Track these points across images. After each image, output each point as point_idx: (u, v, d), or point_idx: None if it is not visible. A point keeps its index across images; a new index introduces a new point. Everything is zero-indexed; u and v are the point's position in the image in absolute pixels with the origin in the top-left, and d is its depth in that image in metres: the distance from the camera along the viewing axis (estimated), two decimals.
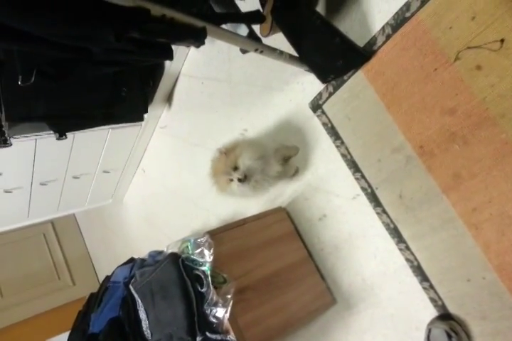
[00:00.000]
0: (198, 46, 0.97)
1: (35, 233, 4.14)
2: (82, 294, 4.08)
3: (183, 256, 1.42)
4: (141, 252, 1.78)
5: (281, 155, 1.64)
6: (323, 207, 1.63)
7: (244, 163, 1.49)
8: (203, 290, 1.35)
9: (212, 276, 1.35)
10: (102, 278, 3.99)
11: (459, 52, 1.12)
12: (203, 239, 1.40)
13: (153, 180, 2.92)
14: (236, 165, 1.49)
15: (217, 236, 1.47)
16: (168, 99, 2.39)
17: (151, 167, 2.90)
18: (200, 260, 1.38)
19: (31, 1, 0.69)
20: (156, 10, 0.87)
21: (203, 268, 1.37)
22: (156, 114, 2.46)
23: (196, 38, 0.94)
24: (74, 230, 4.38)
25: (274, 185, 1.67)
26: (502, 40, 1.04)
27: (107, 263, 4.01)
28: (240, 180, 1.48)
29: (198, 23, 0.96)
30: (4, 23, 0.72)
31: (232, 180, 1.50)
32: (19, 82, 1.18)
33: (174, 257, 1.42)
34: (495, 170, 1.12)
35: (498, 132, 1.10)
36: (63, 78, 1.20)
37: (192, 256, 1.40)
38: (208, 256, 1.37)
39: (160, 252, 1.65)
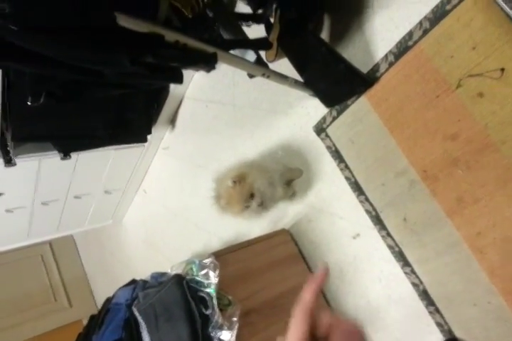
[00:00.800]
0: (208, 71, 1.00)
1: (33, 254, 4.09)
2: (79, 316, 4.03)
3: (187, 277, 1.41)
4: (140, 274, 1.77)
5: (285, 178, 1.65)
6: (327, 230, 1.63)
7: (260, 191, 1.50)
8: (208, 312, 1.33)
9: (217, 298, 1.34)
10: (99, 300, 3.96)
11: (460, 80, 1.15)
12: (208, 261, 1.39)
13: (154, 201, 2.92)
14: (252, 193, 1.50)
15: (221, 257, 1.46)
16: (172, 120, 2.42)
17: (152, 188, 2.91)
18: (205, 282, 1.37)
19: (54, 27, 0.72)
20: (170, 36, 0.91)
21: (208, 289, 1.36)
22: (159, 135, 2.48)
23: (207, 62, 0.97)
24: (72, 251, 4.33)
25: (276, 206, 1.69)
26: (502, 69, 1.07)
27: (104, 285, 3.95)
28: (259, 205, 1.50)
29: (209, 49, 0.99)
30: (25, 46, 0.74)
31: (248, 206, 1.51)
32: (28, 102, 1.20)
33: (178, 278, 1.41)
34: (498, 195, 1.14)
35: (500, 158, 1.12)
36: (72, 99, 1.23)
37: (197, 278, 1.39)
38: (214, 277, 1.36)
39: (163, 274, 1.64)
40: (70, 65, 0.84)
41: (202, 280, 1.36)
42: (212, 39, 1.09)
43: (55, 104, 1.14)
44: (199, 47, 0.96)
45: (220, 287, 1.35)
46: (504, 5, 1.01)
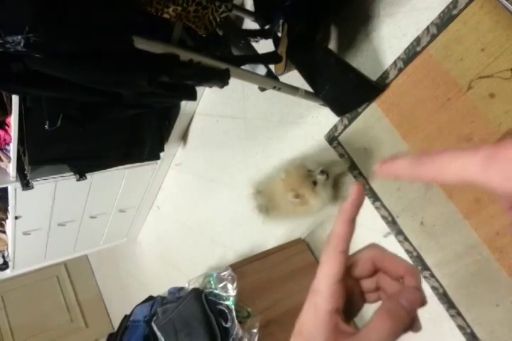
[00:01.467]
0: (222, 86, 1.02)
1: (49, 275, 4.10)
2: (95, 336, 4.02)
3: (205, 291, 1.42)
4: (157, 291, 1.77)
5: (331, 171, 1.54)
6: None
7: (311, 164, 1.44)
8: (228, 325, 1.33)
9: (236, 310, 1.35)
10: (114, 320, 3.94)
11: (471, 82, 1.17)
12: (225, 273, 1.40)
13: (168, 216, 2.93)
14: (308, 169, 1.42)
15: (239, 269, 1.47)
16: (184, 137, 2.46)
17: (165, 204, 2.93)
18: (224, 294, 1.38)
19: (75, 52, 0.75)
20: (185, 55, 0.94)
21: (226, 302, 1.37)
22: (172, 152, 2.51)
23: (221, 78, 1.00)
24: (87, 271, 4.34)
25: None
26: None
27: (119, 304, 3.94)
28: (322, 172, 1.39)
29: (222, 66, 1.02)
30: (49, 73, 0.77)
31: (315, 183, 1.40)
32: (46, 127, 1.24)
33: (197, 292, 1.42)
34: None
35: None
36: (89, 121, 1.26)
37: (215, 291, 1.40)
38: (232, 290, 1.37)
39: (180, 289, 1.65)
40: (90, 87, 0.87)
41: (220, 293, 1.37)
42: (223, 56, 1.11)
43: (73, 127, 1.16)
44: (212, 64, 0.99)
45: (239, 299, 1.36)
46: (509, 5, 1.03)
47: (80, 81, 0.85)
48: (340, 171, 1.59)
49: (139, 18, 0.79)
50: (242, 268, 1.49)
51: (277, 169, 1.47)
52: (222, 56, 1.10)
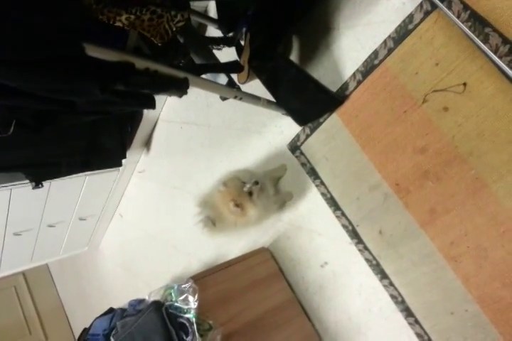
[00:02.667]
0: (180, 96, 1.01)
1: (6, 286, 3.92)
2: None
3: (166, 303, 1.39)
4: (120, 302, 1.72)
5: (271, 177, 1.64)
6: (306, 247, 1.64)
7: (245, 177, 1.48)
8: (188, 338, 1.31)
9: (197, 323, 1.32)
10: (76, 331, 3.81)
11: (426, 95, 1.20)
12: (186, 285, 1.37)
13: (131, 225, 2.87)
14: (243, 181, 1.46)
15: (201, 280, 1.45)
16: (147, 143, 2.42)
17: (128, 212, 2.87)
18: (185, 307, 1.35)
19: (22, 60, 0.72)
20: (140, 63, 0.91)
21: (187, 315, 1.34)
22: (134, 159, 2.47)
23: (179, 88, 0.99)
24: (47, 281, 4.18)
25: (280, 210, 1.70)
26: (465, 84, 1.12)
27: (82, 315, 3.82)
28: (256, 183, 1.44)
29: (180, 74, 1.00)
30: None
31: (251, 193, 1.44)
32: None
33: (157, 305, 1.38)
34: (468, 205, 1.18)
35: (468, 169, 1.16)
36: (43, 129, 1.22)
37: (176, 304, 1.37)
38: (193, 302, 1.34)
39: (141, 301, 1.60)
40: (41, 95, 0.84)
41: (181, 305, 1.34)
42: (183, 64, 1.10)
43: (26, 135, 1.12)
44: (170, 73, 0.97)
45: (201, 311, 1.33)
46: (461, 24, 1.07)
47: (29, 89, 0.82)
48: (280, 175, 1.69)
49: (91, 26, 0.77)
50: (203, 279, 1.47)
51: (217, 182, 1.52)
52: (181, 65, 1.09)
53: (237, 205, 1.43)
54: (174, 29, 0.83)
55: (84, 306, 3.75)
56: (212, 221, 1.55)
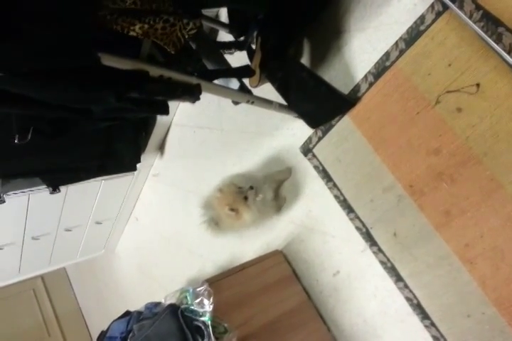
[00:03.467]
0: (193, 102, 1.02)
1: (25, 289, 3.99)
2: None
3: (182, 306, 1.40)
4: (136, 304, 1.74)
5: (273, 180, 1.69)
6: (320, 249, 1.64)
7: (242, 181, 1.56)
8: None
9: (213, 326, 1.33)
10: (94, 333, 3.86)
11: (439, 96, 1.19)
12: (201, 288, 1.38)
13: (147, 228, 2.90)
14: (239, 186, 1.54)
15: (215, 283, 1.46)
16: (161, 147, 2.44)
17: (144, 215, 2.90)
18: (200, 310, 1.36)
19: (41, 71, 0.73)
20: (154, 71, 0.93)
21: (203, 318, 1.35)
22: (149, 163, 2.49)
23: (192, 94, 1.00)
24: (64, 284, 4.24)
25: (278, 214, 1.75)
26: (478, 84, 1.11)
27: (99, 318, 3.87)
28: (252, 188, 1.52)
29: (193, 81, 1.02)
30: (13, 91, 0.76)
31: (246, 198, 1.52)
32: (16, 141, 1.22)
33: (173, 308, 1.40)
34: (483, 206, 1.17)
35: (483, 170, 1.15)
36: (60, 135, 1.24)
37: (191, 307, 1.38)
38: (208, 305, 1.35)
39: (157, 304, 1.62)
40: (57, 104, 0.86)
41: (197, 308, 1.35)
42: (195, 70, 1.11)
43: (44, 142, 1.14)
44: (183, 79, 0.99)
45: (216, 314, 1.34)
46: (473, 24, 1.06)
47: (46, 99, 0.84)
48: (284, 178, 1.73)
49: (106, 36, 0.79)
50: (218, 282, 1.48)
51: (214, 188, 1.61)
52: (194, 71, 1.10)
53: (231, 210, 1.52)
54: (187, 37, 0.85)
55: (101, 308, 3.80)
56: (215, 222, 1.64)
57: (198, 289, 1.39)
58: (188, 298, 1.42)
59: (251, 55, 1.56)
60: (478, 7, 1.07)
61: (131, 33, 0.79)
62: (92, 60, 0.79)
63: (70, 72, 0.80)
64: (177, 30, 0.83)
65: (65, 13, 0.68)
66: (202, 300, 1.37)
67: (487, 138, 1.13)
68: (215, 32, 1.81)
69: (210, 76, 1.11)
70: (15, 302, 3.99)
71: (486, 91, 1.10)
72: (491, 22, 1.05)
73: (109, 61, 0.84)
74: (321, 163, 1.57)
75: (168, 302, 1.49)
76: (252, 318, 1.47)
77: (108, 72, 0.86)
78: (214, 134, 2.06)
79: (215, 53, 1.27)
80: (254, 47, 1.56)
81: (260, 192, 1.55)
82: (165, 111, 1.09)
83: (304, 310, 1.64)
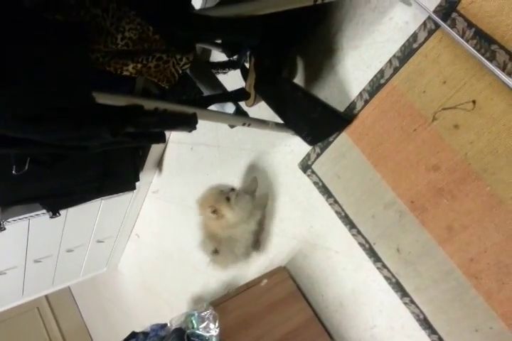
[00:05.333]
0: (190, 131, 1.02)
1: (29, 308, 3.97)
2: None
3: (188, 331, 1.39)
4: (141, 320, 1.75)
5: (245, 191, 1.76)
6: (324, 264, 1.63)
7: (220, 187, 1.64)
8: None
9: None
10: None
11: (435, 113, 1.19)
12: (207, 312, 1.38)
13: (148, 244, 2.89)
14: (220, 189, 1.62)
15: (220, 306, 1.45)
16: (159, 164, 2.44)
17: (145, 231, 2.89)
18: (206, 334, 1.35)
19: (36, 114, 0.73)
20: (149, 104, 0.93)
21: None
22: (148, 180, 2.49)
23: (188, 124, 1.00)
24: (69, 301, 4.22)
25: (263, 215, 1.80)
26: (474, 101, 1.11)
27: (105, 335, 3.85)
28: (232, 189, 1.60)
29: (189, 110, 1.02)
30: (9, 135, 0.76)
31: (228, 198, 1.58)
32: (13, 172, 1.21)
33: (179, 333, 1.39)
34: (485, 222, 1.16)
35: (483, 185, 1.15)
36: (56, 163, 1.24)
37: (197, 331, 1.37)
38: (214, 329, 1.35)
39: (163, 326, 1.61)
40: (52, 143, 0.85)
41: (203, 333, 1.35)
42: (190, 98, 1.11)
43: (41, 171, 1.14)
44: (179, 110, 0.98)
45: (222, 337, 1.34)
46: (465, 43, 1.06)
47: (42, 139, 0.84)
48: (254, 188, 1.84)
49: (99, 77, 0.78)
50: (223, 304, 1.48)
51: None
52: (189, 99, 1.10)
53: (214, 211, 1.58)
54: (180, 72, 0.85)
55: (106, 325, 3.78)
56: (214, 251, 1.70)
57: (203, 313, 1.39)
58: (194, 322, 1.41)
59: (245, 74, 1.56)
60: (471, 25, 1.07)
61: (125, 73, 0.78)
62: (86, 100, 0.78)
63: (63, 113, 0.79)
64: (170, 67, 0.83)
65: (56, 59, 0.68)
66: (208, 325, 1.36)
67: (486, 155, 1.12)
68: (208, 52, 1.81)
69: (205, 103, 1.10)
70: (19, 322, 3.97)
71: (482, 108, 1.10)
72: (483, 39, 1.05)
73: (103, 99, 0.84)
74: (320, 179, 1.57)
75: (174, 326, 1.49)
76: (259, 339, 1.47)
77: (102, 109, 0.85)
78: (211, 151, 2.05)
79: (209, 77, 1.27)
80: (247, 65, 1.56)
81: (240, 194, 1.63)
82: (162, 140, 1.09)
83: (311, 327, 1.63)
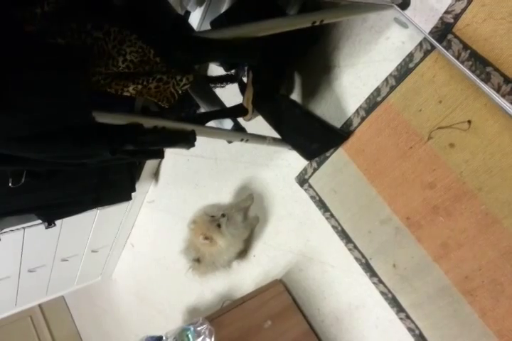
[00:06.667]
0: (188, 148, 1.02)
1: (21, 316, 3.91)
2: None
3: None
4: (134, 331, 1.74)
5: (239, 208, 1.80)
6: (319, 278, 1.64)
7: (213, 211, 1.68)
8: None
9: None
10: None
11: (431, 132, 1.21)
12: (202, 327, 1.38)
13: (143, 254, 2.88)
14: (211, 215, 1.65)
15: (216, 320, 1.45)
16: (155, 174, 2.44)
17: (140, 241, 2.88)
18: None
19: (36, 134, 0.74)
20: (148, 122, 0.93)
21: None
22: (143, 190, 2.49)
23: (187, 141, 1.00)
24: (63, 310, 4.17)
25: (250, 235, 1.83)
26: (469, 121, 1.13)
27: None
28: (223, 215, 1.63)
29: (187, 127, 1.02)
30: (11, 154, 0.76)
31: (219, 225, 1.62)
32: (9, 184, 1.21)
33: None
34: (480, 240, 1.17)
35: (478, 204, 1.16)
36: (53, 176, 1.24)
37: None
38: None
39: (158, 338, 1.60)
40: (52, 161, 0.86)
41: None
42: (188, 116, 1.12)
43: (38, 183, 1.14)
44: (177, 127, 0.99)
45: None
46: (460, 65, 1.07)
47: (42, 158, 0.84)
48: (248, 204, 1.86)
49: (100, 98, 0.79)
50: (219, 318, 1.47)
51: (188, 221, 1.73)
52: (187, 116, 1.11)
53: (206, 238, 1.62)
54: (180, 92, 0.85)
55: (100, 335, 3.74)
56: (196, 259, 1.75)
57: (199, 328, 1.38)
58: (190, 336, 1.40)
59: (242, 88, 1.57)
60: (466, 47, 1.09)
61: (125, 94, 0.79)
62: (87, 120, 0.79)
63: (63, 133, 0.80)
64: (170, 87, 0.84)
65: (57, 83, 0.68)
66: (204, 339, 1.36)
67: (481, 174, 1.14)
68: (206, 65, 1.82)
69: (203, 119, 1.11)
70: (11, 330, 3.91)
71: (477, 128, 1.12)
72: (479, 61, 1.07)
73: (103, 118, 0.84)
74: (317, 194, 1.58)
75: (170, 339, 1.48)
76: None
77: (102, 128, 0.86)
78: (208, 163, 2.06)
79: (208, 93, 1.28)
80: (245, 79, 1.57)
81: (231, 217, 1.66)
82: (160, 156, 1.10)
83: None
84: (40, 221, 1.95)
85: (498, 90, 1.05)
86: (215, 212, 1.67)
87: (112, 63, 0.73)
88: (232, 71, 1.56)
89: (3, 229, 1.83)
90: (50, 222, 1.91)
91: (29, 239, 2.07)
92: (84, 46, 0.71)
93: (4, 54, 0.64)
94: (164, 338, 1.53)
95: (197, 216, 1.69)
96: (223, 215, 1.65)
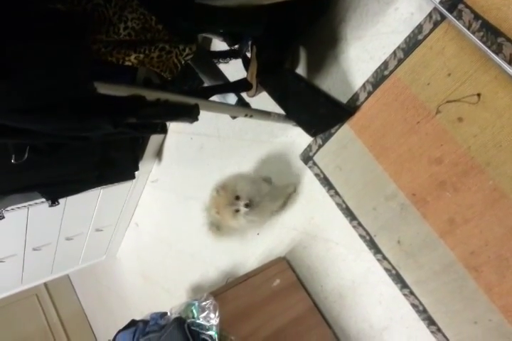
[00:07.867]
0: (192, 122, 1.01)
1: (28, 294, 3.98)
2: None
3: (188, 321, 1.40)
4: (139, 309, 1.75)
5: (276, 196, 1.69)
6: (323, 255, 1.64)
7: (244, 190, 1.52)
8: None
9: (219, 340, 1.33)
10: (99, 337, 3.86)
11: (439, 106, 1.18)
12: (207, 302, 1.38)
13: (147, 233, 2.89)
14: (237, 195, 1.51)
15: (221, 295, 1.46)
16: (158, 153, 2.43)
17: (144, 220, 2.89)
18: (207, 324, 1.35)
19: (38, 106, 0.72)
20: (151, 95, 0.91)
21: (209, 332, 1.35)
22: (147, 169, 2.48)
23: (190, 115, 0.98)
24: (68, 289, 4.24)
25: (277, 210, 1.74)
26: (479, 94, 1.10)
27: (104, 322, 3.87)
28: (247, 206, 1.49)
29: (191, 101, 1.00)
30: (11, 125, 0.74)
31: (238, 210, 1.51)
32: (12, 161, 1.20)
33: (179, 322, 1.39)
34: (487, 215, 1.16)
35: (486, 179, 1.14)
36: (55, 152, 1.23)
37: (198, 321, 1.38)
38: (214, 319, 1.35)
39: (163, 314, 1.62)
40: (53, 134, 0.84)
41: (203, 322, 1.35)
42: (192, 89, 1.10)
43: (40, 159, 1.13)
44: (180, 100, 0.97)
45: (222, 326, 1.34)
46: (471, 35, 1.04)
47: (44, 130, 0.83)
48: (290, 192, 1.71)
49: (101, 67, 0.77)
50: (223, 294, 1.48)
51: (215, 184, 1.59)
52: (190, 90, 1.09)
53: (217, 213, 1.55)
54: (183, 62, 0.83)
55: (105, 313, 3.81)
56: (216, 226, 1.66)
57: (204, 303, 1.39)
58: (194, 311, 1.41)
59: (246, 63, 1.54)
60: (477, 17, 1.05)
61: (127, 63, 0.77)
62: (88, 90, 0.77)
63: (65, 104, 0.78)
64: (173, 57, 0.81)
65: (57, 51, 0.66)
66: (208, 314, 1.37)
67: (489, 148, 1.12)
68: (208, 40, 1.78)
69: (207, 93, 1.09)
70: (18, 308, 3.99)
71: (487, 102, 1.09)
72: (490, 32, 1.04)
73: (105, 89, 0.82)
74: (321, 171, 1.56)
75: (174, 315, 1.49)
76: (259, 329, 1.48)
77: (104, 100, 0.84)
78: (211, 141, 2.04)
79: (211, 67, 1.25)
80: (249, 55, 1.54)
81: (257, 206, 1.53)
82: (163, 130, 1.08)
83: (310, 317, 1.64)
84: (43, 199, 1.94)
85: (509, 62, 1.02)
86: (243, 192, 1.51)
87: (113, 30, 0.71)
88: (236, 46, 1.53)
89: (7, 207, 1.83)
90: (53, 200, 1.90)
91: (33, 218, 2.08)
92: (85, 12, 0.68)
93: (4, 22, 0.62)
94: (169, 314, 1.54)
95: (224, 185, 1.54)
96: (247, 205, 1.49)
